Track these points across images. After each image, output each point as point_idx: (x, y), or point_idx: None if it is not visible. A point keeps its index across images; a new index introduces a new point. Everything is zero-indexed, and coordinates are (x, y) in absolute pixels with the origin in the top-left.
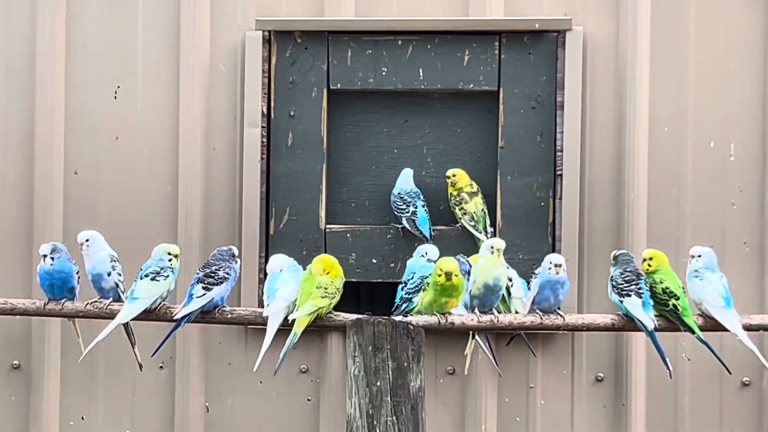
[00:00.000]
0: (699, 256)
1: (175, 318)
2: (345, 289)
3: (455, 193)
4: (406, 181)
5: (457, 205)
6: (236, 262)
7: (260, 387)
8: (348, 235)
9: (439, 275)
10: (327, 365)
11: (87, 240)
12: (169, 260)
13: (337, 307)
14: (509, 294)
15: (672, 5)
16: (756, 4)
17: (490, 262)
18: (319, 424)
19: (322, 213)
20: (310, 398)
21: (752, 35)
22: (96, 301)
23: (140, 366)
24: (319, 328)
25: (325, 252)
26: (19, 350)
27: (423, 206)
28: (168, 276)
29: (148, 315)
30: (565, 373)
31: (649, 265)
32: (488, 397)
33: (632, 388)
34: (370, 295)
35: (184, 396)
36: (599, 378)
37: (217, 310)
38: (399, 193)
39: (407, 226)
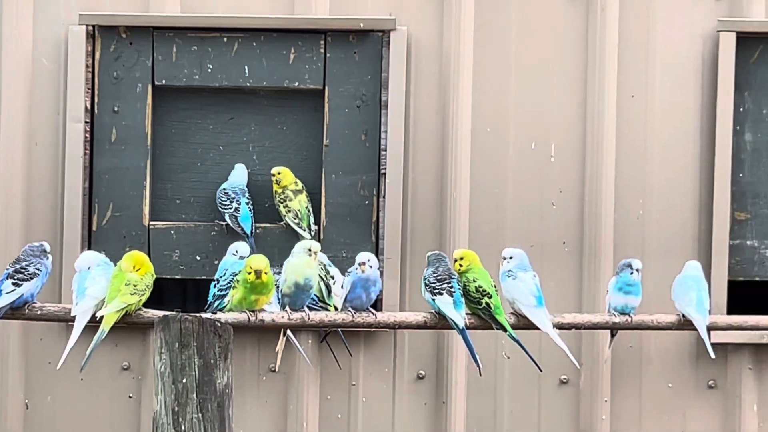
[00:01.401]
0: (511, 257)
1: None
2: (170, 286)
3: (280, 190)
4: (237, 175)
5: (282, 203)
6: (48, 257)
7: (81, 384)
8: (172, 231)
9: (249, 272)
10: (149, 362)
11: None
12: None
13: (160, 304)
14: (329, 292)
15: (495, 7)
16: (577, 6)
17: (304, 263)
18: (140, 421)
19: (146, 209)
20: (131, 395)
21: (573, 37)
22: None
23: None
24: (128, 324)
25: (149, 249)
26: None
27: (247, 203)
28: None
29: None
30: (387, 371)
31: (461, 265)
32: (310, 394)
33: (452, 386)
34: (196, 293)
35: (3, 392)
36: (420, 375)
37: (26, 306)
38: (224, 189)
39: (230, 222)
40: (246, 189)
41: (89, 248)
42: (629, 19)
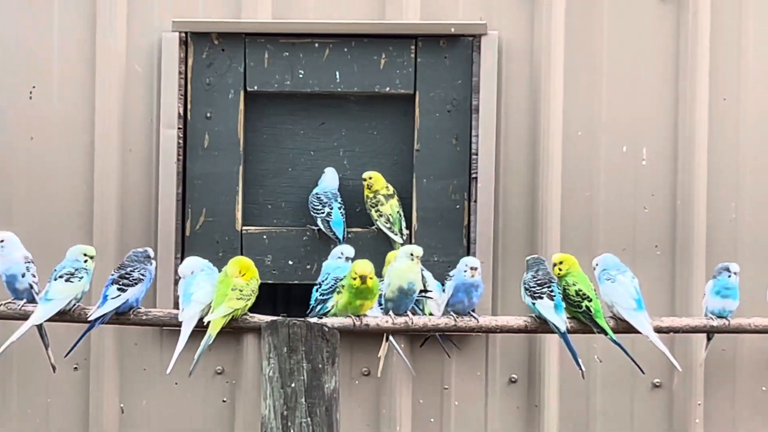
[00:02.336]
0: (596, 264)
1: (89, 319)
2: (261, 291)
3: (371, 195)
4: (328, 180)
5: (373, 207)
6: (151, 263)
7: (175, 388)
8: (264, 236)
9: (354, 278)
10: (242, 367)
11: (2, 241)
12: (84, 261)
13: (253, 309)
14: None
15: (585, 10)
16: (668, 9)
17: (406, 267)
18: (234, 425)
19: (239, 214)
20: (225, 399)
21: (664, 39)
22: (10, 302)
23: (53, 368)
24: (234, 329)
25: (242, 254)
26: None
27: (339, 208)
28: (83, 277)
29: (62, 316)
30: (479, 375)
31: (560, 269)
32: (403, 398)
33: (545, 390)
34: (286, 297)
35: (99, 397)
36: (513, 379)
37: (131, 311)
38: (317, 193)
39: (322, 227)
40: (338, 193)
41: (183, 254)
42: (721, 20)
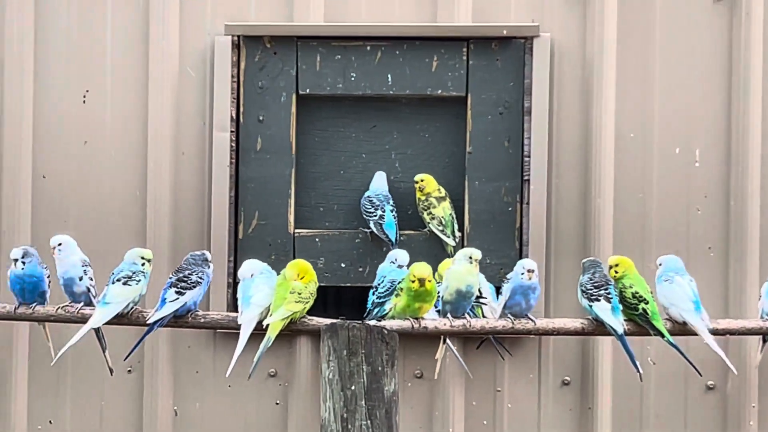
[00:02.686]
0: (660, 264)
1: (147, 322)
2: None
3: (423, 198)
4: (378, 183)
5: (425, 210)
6: (209, 266)
7: (229, 391)
8: (317, 239)
9: (413, 281)
10: (296, 369)
11: (59, 244)
12: (142, 264)
13: (307, 312)
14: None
15: (638, 12)
16: (721, 10)
17: (465, 270)
18: (287, 427)
19: (291, 217)
20: (278, 402)
21: (717, 41)
22: (67, 306)
23: (111, 371)
24: (290, 332)
25: (294, 257)
26: None
27: (391, 210)
28: (140, 280)
29: (120, 319)
30: (532, 377)
31: (616, 272)
32: (456, 400)
33: (598, 392)
34: (337, 300)
35: (153, 400)
36: (566, 381)
37: (189, 314)
38: (368, 196)
39: (374, 230)
40: (389, 196)
41: (236, 257)
42: None
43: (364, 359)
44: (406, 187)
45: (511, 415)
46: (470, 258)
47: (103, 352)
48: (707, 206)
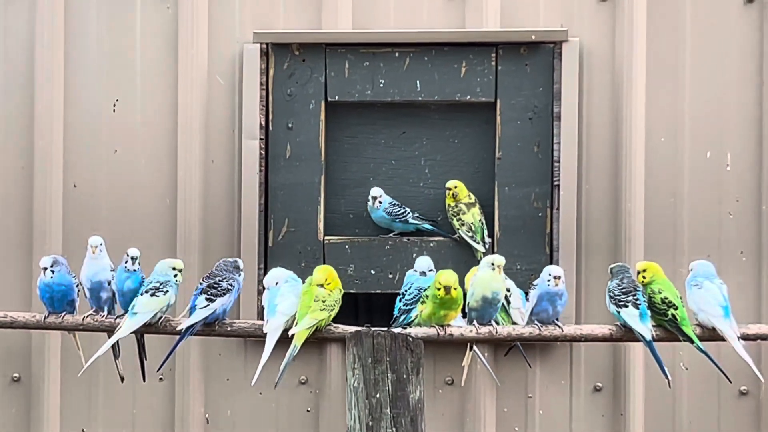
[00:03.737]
0: (691, 269)
1: (178, 329)
2: (343, 300)
3: (453, 204)
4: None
5: (455, 216)
6: (240, 274)
7: (260, 398)
8: (346, 246)
9: (438, 289)
10: (326, 376)
11: (101, 244)
12: (174, 276)
13: (336, 319)
14: (508, 304)
15: (668, 15)
16: (752, 13)
17: (490, 276)
18: None
19: (321, 224)
20: (309, 409)
21: (748, 45)
22: (94, 314)
23: (122, 378)
24: (318, 340)
25: (324, 264)
26: (19, 363)
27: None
28: (167, 291)
29: (148, 328)
30: (564, 383)
31: (644, 277)
32: (487, 407)
33: (630, 398)
34: (368, 306)
35: (184, 407)
36: (597, 387)
37: (217, 322)
38: (391, 203)
39: (428, 227)
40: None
41: (266, 264)
42: None
43: (389, 367)
44: (436, 193)
45: (542, 421)
46: (492, 264)
47: (116, 360)
48: (739, 210)
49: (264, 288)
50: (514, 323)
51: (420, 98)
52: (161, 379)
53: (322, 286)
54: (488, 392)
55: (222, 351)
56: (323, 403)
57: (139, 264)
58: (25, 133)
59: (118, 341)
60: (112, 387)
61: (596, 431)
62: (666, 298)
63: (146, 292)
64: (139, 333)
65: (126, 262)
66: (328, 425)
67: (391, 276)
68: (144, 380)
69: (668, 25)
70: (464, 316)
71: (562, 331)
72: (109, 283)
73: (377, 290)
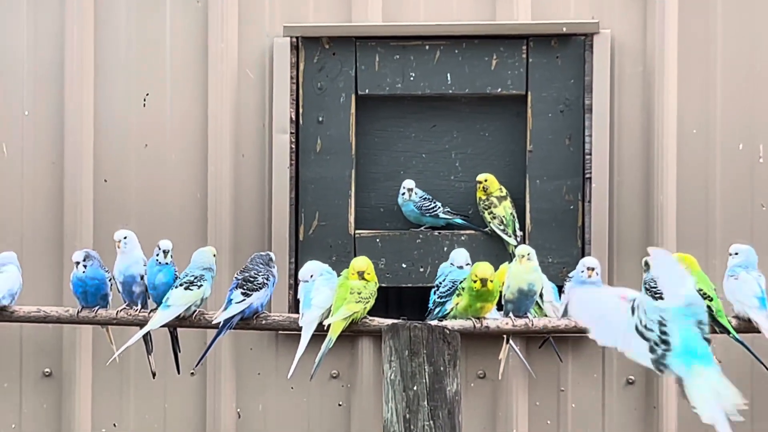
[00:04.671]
0: (736, 253)
1: (213, 322)
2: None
3: (484, 197)
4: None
5: (486, 209)
6: (274, 267)
7: (291, 392)
8: (377, 240)
9: (475, 281)
10: (358, 370)
11: (125, 237)
12: (209, 269)
13: (368, 313)
14: (541, 298)
15: (699, 7)
16: None
17: (525, 268)
18: (350, 429)
19: (352, 218)
20: (341, 403)
21: None
22: (127, 308)
23: (153, 374)
24: (353, 333)
25: (355, 257)
26: (51, 358)
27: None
28: (202, 285)
29: (182, 322)
30: (596, 377)
31: None
32: (519, 400)
33: (663, 391)
34: (398, 300)
35: (216, 402)
36: (630, 381)
37: (254, 316)
38: (422, 197)
39: (460, 222)
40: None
41: (297, 258)
42: None
43: (426, 359)
44: (467, 186)
45: (575, 414)
46: (521, 256)
47: (148, 355)
48: None
49: (297, 281)
50: (546, 316)
51: (450, 91)
52: (192, 373)
53: (362, 275)
54: (520, 385)
55: (253, 345)
56: (355, 397)
57: (171, 257)
58: (56, 129)
59: (150, 335)
60: (143, 382)
61: (629, 425)
62: (701, 290)
63: (180, 285)
64: (173, 326)
65: (157, 255)
66: (360, 420)
67: (422, 270)
68: (179, 372)
69: (700, 16)
70: (499, 308)
71: None
72: (142, 278)
73: (408, 284)
